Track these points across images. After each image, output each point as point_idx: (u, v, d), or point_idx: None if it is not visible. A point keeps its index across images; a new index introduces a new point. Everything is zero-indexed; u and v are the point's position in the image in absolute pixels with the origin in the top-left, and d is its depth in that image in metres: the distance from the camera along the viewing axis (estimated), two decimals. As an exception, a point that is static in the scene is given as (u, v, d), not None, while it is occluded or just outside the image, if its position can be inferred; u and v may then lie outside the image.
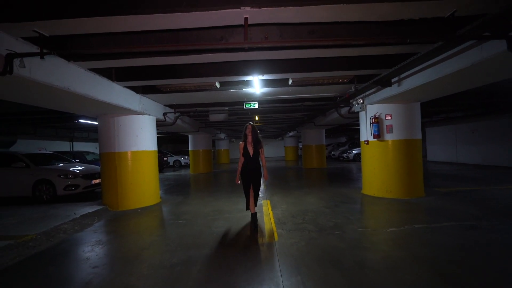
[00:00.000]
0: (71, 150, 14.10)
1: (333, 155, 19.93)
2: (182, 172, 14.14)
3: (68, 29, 2.67)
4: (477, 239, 3.15)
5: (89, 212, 4.97)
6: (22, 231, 3.85)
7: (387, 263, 2.63)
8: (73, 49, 2.90)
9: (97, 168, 7.90)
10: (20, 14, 2.34)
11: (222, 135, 19.18)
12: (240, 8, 2.37)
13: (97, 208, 5.28)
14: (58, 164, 7.50)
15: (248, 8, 2.38)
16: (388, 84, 4.74)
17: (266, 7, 2.39)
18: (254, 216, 3.84)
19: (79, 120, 8.88)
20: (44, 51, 2.65)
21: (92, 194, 7.44)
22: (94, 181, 7.27)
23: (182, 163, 17.97)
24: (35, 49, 2.86)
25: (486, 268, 2.47)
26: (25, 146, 11.28)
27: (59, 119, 9.14)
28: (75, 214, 4.82)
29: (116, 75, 4.43)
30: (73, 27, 2.62)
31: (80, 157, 10.74)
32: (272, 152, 29.29)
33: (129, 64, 3.74)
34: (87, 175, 7.09)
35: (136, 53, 3.15)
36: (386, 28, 2.82)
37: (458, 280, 2.28)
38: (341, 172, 10.95)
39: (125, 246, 3.46)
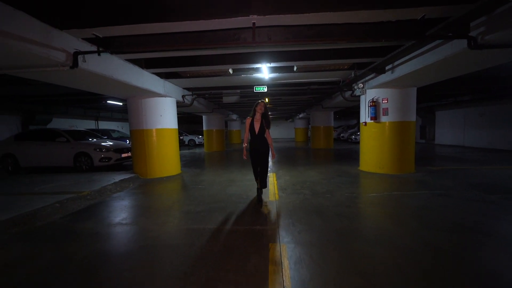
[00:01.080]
0: (97, 128, 15.40)
1: (342, 137, 20.38)
2: (197, 150, 15.21)
3: (117, 32, 3.46)
4: (439, 203, 3.89)
5: (125, 178, 6.02)
6: (78, 189, 4.92)
7: (358, 215, 3.45)
8: (124, 48, 3.71)
9: (124, 144, 9.00)
10: (86, 22, 3.15)
11: (234, 116, 19.97)
12: (249, 16, 3.06)
13: (130, 176, 6.33)
14: (92, 140, 8.62)
15: (255, 16, 3.07)
16: (382, 71, 5.30)
17: (270, 14, 3.06)
18: (259, 191, 4.06)
19: (108, 101, 9.88)
20: (100, 49, 3.47)
21: (121, 166, 8.57)
22: (124, 155, 8.38)
23: (197, 142, 19.07)
24: (89, 46, 3.69)
25: (433, 219, 3.23)
26: (59, 124, 12.56)
27: (89, 100, 10.20)
28: (114, 179, 5.88)
29: (146, 64, 5.24)
30: (120, 31, 3.41)
31: (107, 134, 11.95)
32: (282, 133, 29.94)
33: (158, 56, 4.53)
34: (118, 150, 8.19)
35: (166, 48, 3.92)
36: (370, 28, 3.43)
37: (409, 225, 3.07)
38: (346, 152, 11.60)
39: (159, 201, 4.46)
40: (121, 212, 3.88)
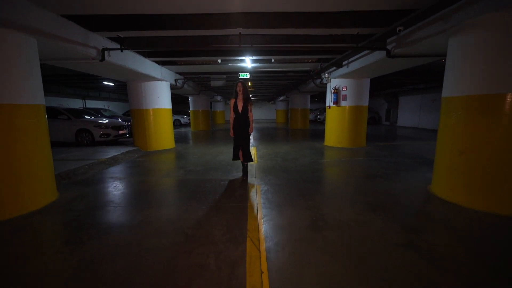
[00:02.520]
0: (84, 106, 15.85)
1: (319, 118, 22.13)
2: (183, 129, 16.25)
3: (135, 34, 4.54)
4: (370, 164, 5.52)
5: (129, 150, 7.18)
6: (96, 157, 6.06)
7: (311, 171, 4.98)
8: (142, 45, 4.80)
9: (121, 121, 9.96)
10: (113, 27, 4.22)
11: (219, 97, 20.93)
12: (236, 28, 4.29)
13: (133, 148, 7.48)
14: (90, 118, 9.50)
15: (241, 29, 4.30)
16: (340, 66, 6.73)
17: (252, 28, 4.30)
18: (244, 166, 4.48)
19: (104, 82, 10.63)
20: (123, 47, 4.56)
21: (118, 142, 9.59)
22: (120, 132, 9.40)
23: (182, 122, 19.94)
24: (112, 44, 4.74)
25: (359, 172, 4.83)
26: (48, 102, 13.01)
27: (85, 81, 10.85)
28: (121, 151, 7.03)
29: (148, 54, 6.27)
30: (137, 33, 4.49)
31: (99, 113, 12.66)
32: (265, 114, 31.28)
33: (161, 49, 5.61)
34: (115, 127, 9.19)
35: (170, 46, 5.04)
36: (323, 38, 4.77)
37: (341, 175, 4.65)
38: (319, 132, 13.25)
39: (165, 164, 5.76)
40: (140, 171, 5.16)
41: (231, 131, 4.32)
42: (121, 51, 4.62)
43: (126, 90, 7.94)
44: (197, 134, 12.97)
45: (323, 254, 2.14)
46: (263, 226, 2.67)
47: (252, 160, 4.45)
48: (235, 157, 4.43)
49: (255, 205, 3.24)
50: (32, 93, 3.23)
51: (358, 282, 1.79)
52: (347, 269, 1.94)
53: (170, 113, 8.47)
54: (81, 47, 4.08)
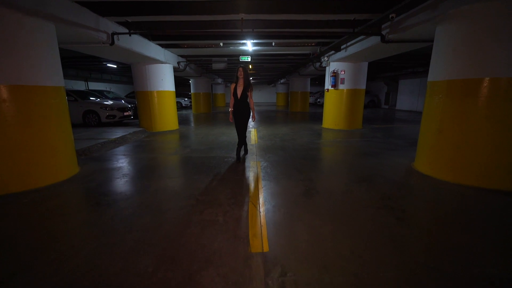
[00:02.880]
0: (87, 88, 16.02)
1: (319, 102, 22.30)
2: (184, 112, 16.52)
3: (142, 19, 4.76)
4: (363, 144, 5.92)
5: (136, 131, 7.55)
6: (105, 137, 6.44)
7: (307, 150, 5.38)
8: (148, 29, 5.03)
9: (125, 103, 10.25)
10: (122, 12, 4.44)
11: (219, 80, 20.98)
12: (238, 14, 4.51)
13: (139, 129, 7.85)
14: (96, 99, 9.78)
15: (243, 14, 4.52)
16: (338, 49, 6.94)
17: (254, 13, 4.53)
18: (239, 148, 4.53)
19: (107, 64, 10.80)
20: (131, 31, 4.80)
21: (122, 124, 9.94)
22: (125, 113, 9.73)
23: (183, 105, 20.12)
24: (121, 28, 4.97)
25: (352, 151, 5.24)
26: (52, 84, 13.20)
27: (88, 62, 11.00)
28: (128, 131, 7.40)
29: (152, 37, 6.47)
30: (144, 17, 4.72)
31: (102, 95, 12.89)
32: (265, 98, 31.31)
33: (166, 33, 5.82)
34: (120, 108, 9.50)
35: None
36: (321, 23, 4.99)
37: (335, 153, 5.06)
38: (318, 115, 13.55)
39: (172, 144, 6.17)
40: (148, 149, 5.57)
41: (231, 116, 4.36)
42: (129, 35, 4.87)
43: (128, 72, 8.23)
44: (199, 116, 13.29)
45: (311, 213, 2.59)
46: (262, 193, 3.10)
47: (246, 144, 4.70)
48: (240, 141, 4.50)
49: (256, 177, 3.67)
50: (55, 75, 3.56)
51: (337, 230, 2.24)
52: (330, 223, 2.38)
53: (174, 95, 8.75)
54: (93, 31, 4.34)
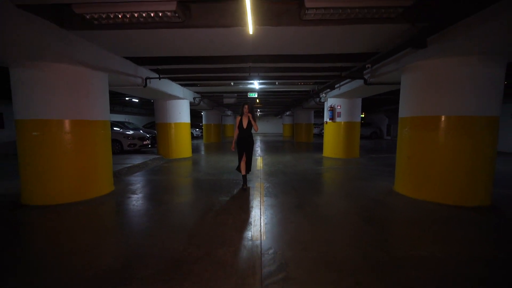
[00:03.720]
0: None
1: (323, 132, 23.26)
2: (195, 141, 17.69)
3: (169, 66, 5.98)
4: (357, 170, 6.65)
5: (155, 157, 8.53)
6: (130, 162, 7.40)
7: (307, 174, 6.15)
8: (173, 74, 6.25)
9: (144, 133, 11.44)
10: (154, 63, 5.66)
11: (229, 112, 22.48)
12: (246, 63, 5.67)
13: (157, 156, 8.84)
14: (119, 129, 11.00)
15: (250, 63, 5.68)
16: (333, 88, 8.01)
17: (260, 62, 5.67)
18: (244, 177, 4.82)
19: (132, 99, 12.25)
20: (160, 76, 6.00)
21: (140, 152, 11.00)
22: (144, 142, 10.85)
23: (194, 135, 21.48)
24: (152, 74, 6.20)
25: (346, 175, 5.97)
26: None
27: (114, 97, 12.49)
28: (148, 158, 8.39)
29: (174, 78, 7.74)
30: (171, 66, 5.94)
31: (125, 126, 14.26)
32: (272, 128, 32.64)
33: (187, 76, 7.07)
34: (140, 138, 10.64)
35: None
36: (315, 69, 6.09)
37: (330, 178, 5.81)
38: (320, 145, 14.36)
39: (186, 169, 7.06)
40: (168, 172, 6.46)
41: (233, 145, 4.85)
42: (159, 79, 6.07)
43: (146, 105, 9.43)
44: (209, 146, 14.34)
45: (301, 218, 3.32)
46: (264, 204, 3.87)
47: (249, 170, 4.93)
48: (239, 168, 4.89)
49: (259, 194, 4.45)
50: (105, 112, 4.64)
51: (317, 228, 2.96)
52: (314, 225, 3.11)
53: (189, 126, 9.87)
54: (132, 77, 5.53)
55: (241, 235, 2.82)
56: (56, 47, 3.43)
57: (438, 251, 2.48)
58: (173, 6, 2.87)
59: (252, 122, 4.66)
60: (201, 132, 20.92)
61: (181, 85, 8.75)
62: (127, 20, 3.11)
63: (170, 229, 3.00)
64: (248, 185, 4.95)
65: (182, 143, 9.43)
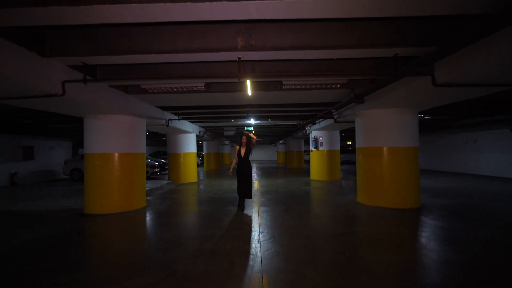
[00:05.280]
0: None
1: (314, 159, 25.11)
2: (197, 169, 19.24)
3: (185, 110, 7.87)
4: (336, 189, 8.30)
5: (167, 182, 10.08)
6: (148, 186, 8.93)
7: (294, 192, 7.78)
8: (188, 116, 8.12)
9: (153, 162, 13.05)
10: (176, 109, 7.53)
11: (227, 141, 24.37)
12: (245, 108, 7.57)
13: (169, 181, 10.38)
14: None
15: (248, 108, 7.59)
16: (314, 123, 9.97)
17: (255, 108, 7.59)
18: (242, 202, 5.54)
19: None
20: (180, 118, 7.85)
21: (152, 178, 12.54)
22: (155, 170, 12.43)
23: (195, 163, 23.03)
24: (173, 116, 8.06)
25: (326, 192, 7.62)
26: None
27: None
28: (162, 183, 9.93)
29: (188, 118, 9.62)
30: (186, 110, 7.82)
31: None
32: (267, 156, 34.44)
33: (198, 118, 8.95)
34: (152, 166, 12.24)
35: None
36: (297, 109, 8.03)
37: (313, 194, 7.47)
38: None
39: (195, 190, 8.64)
40: (182, 193, 8.03)
41: (231, 170, 5.70)
42: (179, 120, 7.91)
43: (152, 137, 11.11)
44: (210, 172, 15.92)
45: (286, 217, 4.93)
46: (260, 210, 5.47)
47: (250, 197, 5.62)
48: (240, 194, 5.56)
49: (257, 205, 6.06)
50: (143, 147, 6.37)
51: (297, 221, 4.57)
52: (294, 220, 4.71)
53: (195, 155, 11.58)
54: (159, 120, 7.35)
55: (247, 226, 4.41)
56: (121, 106, 5.25)
57: (365, 229, 4.12)
58: (202, 85, 4.76)
59: (253, 138, 5.59)
60: (201, 160, 22.56)
61: (190, 121, 10.63)
62: (171, 90, 4.98)
63: (196, 224, 4.58)
64: (244, 211, 5.44)
65: (190, 170, 11.06)
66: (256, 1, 2.14)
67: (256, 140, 6.33)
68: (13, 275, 2.81)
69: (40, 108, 4.44)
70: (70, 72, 3.75)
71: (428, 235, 3.82)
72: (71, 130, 13.28)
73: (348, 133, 16.99)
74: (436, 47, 3.07)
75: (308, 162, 24.71)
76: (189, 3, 2.13)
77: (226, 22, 3.08)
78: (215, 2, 2.13)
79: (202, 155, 20.26)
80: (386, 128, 5.63)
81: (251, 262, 2.99)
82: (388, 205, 5.55)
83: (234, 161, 5.55)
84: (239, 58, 3.44)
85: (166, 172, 13.05)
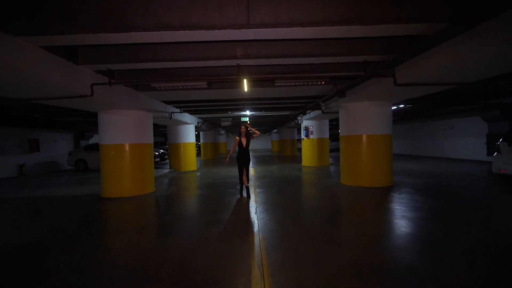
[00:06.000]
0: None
1: (307, 147, 26.12)
2: (196, 158, 20.03)
3: (187, 104, 8.58)
4: (323, 173, 9.25)
5: (170, 171, 10.87)
6: (155, 175, 9.71)
7: (287, 177, 8.69)
8: (189, 108, 8.84)
9: (155, 152, 13.76)
10: (178, 102, 8.24)
11: (222, 131, 25.08)
12: (242, 101, 8.33)
13: (170, 170, 11.16)
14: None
15: (245, 101, 8.34)
16: (305, 113, 10.79)
17: (252, 101, 8.34)
18: (247, 188, 5.83)
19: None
20: (181, 111, 8.56)
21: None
22: (156, 159, 13.17)
23: (192, 152, 23.78)
24: (176, 109, 8.75)
25: (315, 176, 8.55)
26: (96, 139, 16.96)
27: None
28: (165, 171, 10.71)
29: (188, 111, 10.31)
30: (189, 104, 8.53)
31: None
32: (262, 145, 35.30)
33: (197, 110, 9.65)
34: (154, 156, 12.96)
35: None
36: (288, 101, 8.82)
37: (302, 178, 8.39)
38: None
39: (196, 177, 9.47)
40: (184, 179, 8.86)
41: (227, 159, 6.11)
42: (181, 113, 8.63)
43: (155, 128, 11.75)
44: (208, 161, 16.75)
45: (277, 196, 5.82)
46: (256, 191, 6.35)
47: (247, 184, 5.93)
48: (241, 181, 5.92)
49: (253, 187, 6.94)
50: (150, 137, 7.11)
51: (287, 199, 5.46)
52: (286, 199, 5.61)
53: (194, 145, 12.33)
54: (163, 113, 8.06)
55: (245, 203, 5.29)
56: (132, 102, 5.96)
57: (342, 203, 5.04)
58: (204, 83, 5.48)
59: (254, 132, 6.34)
60: (198, 149, 23.31)
61: (190, 113, 11.32)
62: (177, 88, 5.68)
63: (203, 203, 5.45)
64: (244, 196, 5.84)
65: (190, 159, 11.85)
66: (253, 30, 2.88)
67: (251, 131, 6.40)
68: (79, 237, 3.63)
69: (68, 106, 5.15)
70: (96, 76, 4.44)
71: (391, 205, 4.77)
72: (72, 122, 13.81)
73: (338, 122, 17.94)
74: (395, 55, 3.88)
75: (301, 150, 25.87)
76: (203, 31, 2.86)
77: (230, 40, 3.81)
78: (223, 30, 2.86)
79: (199, 145, 20.96)
80: (364, 118, 6.50)
81: (250, 227, 3.87)
82: (365, 184, 6.49)
83: (232, 150, 5.87)
84: (238, 64, 4.18)
85: (165, 161, 13.84)
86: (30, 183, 9.15)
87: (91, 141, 16.28)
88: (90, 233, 3.82)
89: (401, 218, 4.00)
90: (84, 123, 14.80)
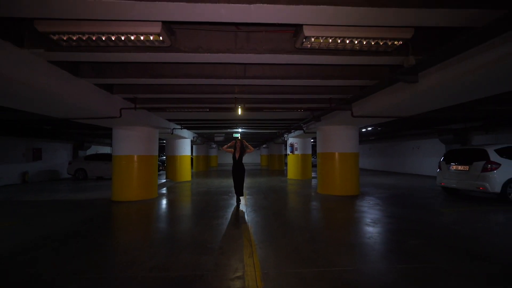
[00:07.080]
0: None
1: (294, 162, 27.56)
2: (188, 170, 21.00)
3: (187, 122, 9.83)
4: (304, 184, 10.56)
5: (166, 180, 11.89)
6: (153, 183, 10.73)
7: (273, 187, 9.94)
8: (189, 126, 10.09)
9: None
10: (179, 121, 9.49)
11: (214, 145, 26.25)
12: (235, 121, 9.68)
13: (167, 180, 12.19)
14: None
15: (237, 121, 9.69)
16: (290, 132, 12.23)
17: (244, 120, 9.70)
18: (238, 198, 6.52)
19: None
20: (182, 127, 9.79)
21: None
22: (160, 168, 14.14)
23: (184, 165, 24.68)
24: (176, 125, 9.98)
25: (296, 188, 9.85)
26: (94, 149, 17.72)
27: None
28: (162, 181, 11.73)
29: (186, 127, 11.54)
30: (188, 122, 9.78)
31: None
32: (252, 159, 36.47)
33: (195, 127, 10.90)
34: (150, 167, 13.96)
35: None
36: (274, 122, 10.25)
37: (286, 189, 9.68)
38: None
39: (191, 186, 10.57)
40: (181, 188, 9.94)
41: (224, 147, 7.29)
42: (181, 129, 9.86)
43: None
44: (200, 173, 17.79)
45: (264, 201, 7.05)
46: (246, 197, 7.56)
47: (242, 195, 6.61)
48: (236, 190, 6.61)
49: (245, 195, 8.15)
50: (156, 150, 8.27)
51: (272, 203, 6.69)
52: (270, 203, 6.84)
53: (189, 157, 13.45)
54: (167, 129, 9.27)
55: (238, 205, 6.49)
56: (145, 121, 7.18)
57: (315, 206, 6.34)
58: (207, 109, 6.79)
59: (248, 148, 7.27)
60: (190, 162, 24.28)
61: (188, 129, 12.55)
62: (183, 110, 6.95)
63: (201, 206, 6.61)
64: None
65: (185, 170, 12.93)
66: (249, 54, 4.18)
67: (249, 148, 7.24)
68: (112, 224, 4.71)
69: (96, 123, 6.29)
70: (124, 101, 5.68)
71: (353, 207, 6.10)
72: (73, 133, 14.68)
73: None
74: (351, 95, 5.36)
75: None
76: (207, 54, 4.18)
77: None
78: (226, 53, 4.14)
79: (192, 158, 22.01)
80: (336, 139, 7.96)
81: (241, 220, 5.08)
82: (336, 193, 7.84)
83: (225, 147, 7.15)
84: (235, 97, 5.54)
85: (160, 172, 14.81)
86: (38, 189, 9.96)
87: (89, 152, 17.07)
88: (122, 222, 4.91)
89: (358, 212, 5.33)
90: (83, 135, 15.69)
